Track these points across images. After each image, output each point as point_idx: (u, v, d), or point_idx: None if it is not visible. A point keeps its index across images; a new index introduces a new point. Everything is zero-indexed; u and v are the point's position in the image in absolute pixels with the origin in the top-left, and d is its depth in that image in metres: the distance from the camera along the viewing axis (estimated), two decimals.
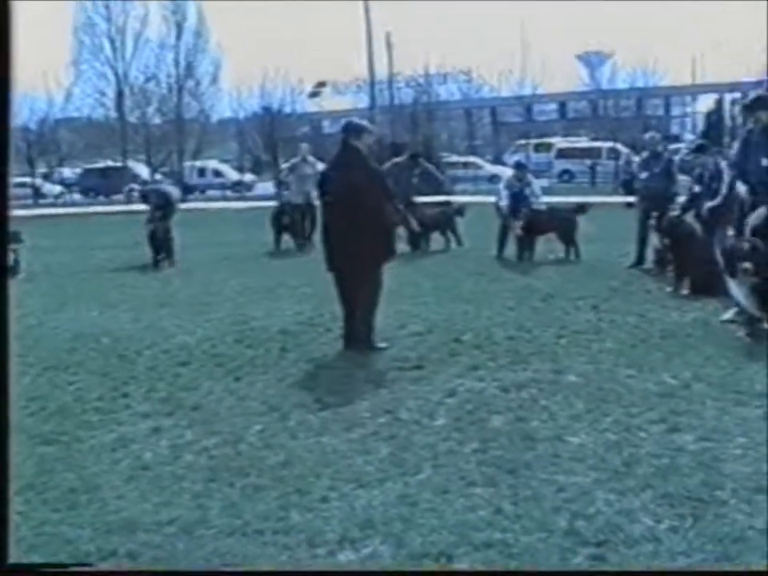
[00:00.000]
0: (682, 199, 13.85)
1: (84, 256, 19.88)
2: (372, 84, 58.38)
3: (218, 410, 7.33)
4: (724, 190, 11.99)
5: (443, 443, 6.28)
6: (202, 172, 57.47)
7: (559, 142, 58.84)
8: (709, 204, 12.35)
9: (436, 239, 18.99)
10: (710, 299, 10.95)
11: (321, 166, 9.98)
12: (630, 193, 22.24)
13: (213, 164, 59.12)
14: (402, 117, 56.05)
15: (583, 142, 58.02)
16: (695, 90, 71.42)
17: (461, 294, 12.65)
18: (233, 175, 57.72)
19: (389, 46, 59.06)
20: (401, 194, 18.36)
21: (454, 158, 50.05)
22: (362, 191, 9.21)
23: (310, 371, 8.53)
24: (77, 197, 54.31)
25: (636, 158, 19.09)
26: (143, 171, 54.54)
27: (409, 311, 11.29)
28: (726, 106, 60.21)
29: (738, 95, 64.66)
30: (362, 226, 9.18)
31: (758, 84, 64.51)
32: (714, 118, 55.87)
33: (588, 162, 50.09)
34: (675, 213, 13.14)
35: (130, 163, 54.35)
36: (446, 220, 19.16)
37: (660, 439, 6.20)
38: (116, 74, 55.62)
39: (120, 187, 50.78)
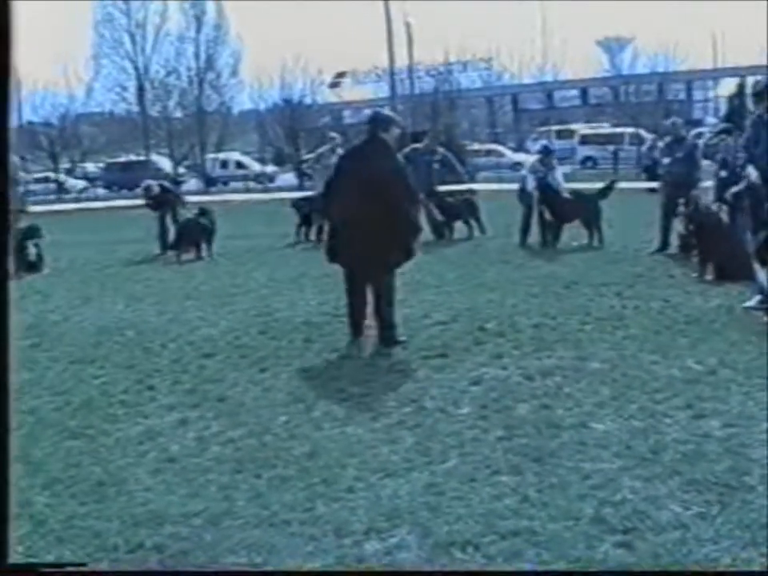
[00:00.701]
0: (706, 184, 13.80)
1: (108, 250, 19.94)
2: (392, 73, 58.31)
3: (243, 402, 7.34)
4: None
5: (468, 431, 6.27)
6: (224, 164, 57.58)
7: (581, 128, 58.64)
8: (733, 189, 12.27)
9: (459, 228, 18.97)
10: (734, 285, 10.89)
11: None
12: (652, 178, 22.16)
13: (235, 156, 59.23)
14: (422, 106, 55.95)
15: (605, 128, 57.82)
16: (717, 74, 71.05)
17: (484, 282, 12.64)
18: (255, 167, 57.79)
19: (409, 35, 58.95)
20: (422, 181, 18.45)
21: (476, 146, 49.92)
22: (387, 186, 8.96)
23: (335, 362, 8.54)
24: (100, 191, 54.46)
25: (660, 144, 18.98)
26: (166, 165, 54.75)
27: (433, 300, 11.30)
28: (748, 89, 59.83)
29: (760, 78, 64.28)
30: (382, 223, 8.91)
31: None
32: (737, 102, 55.48)
33: (611, 147, 49.88)
34: (706, 202, 13.08)
35: (153, 157, 54.57)
36: (468, 208, 19.13)
37: (686, 425, 6.17)
38: (136, 68, 55.81)
39: (143, 181, 51.00)
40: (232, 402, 7.36)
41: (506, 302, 10.99)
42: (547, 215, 16.36)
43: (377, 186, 8.93)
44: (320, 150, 21.03)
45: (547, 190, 16.64)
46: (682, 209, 13.40)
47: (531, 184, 16.91)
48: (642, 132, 49.16)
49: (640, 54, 66.12)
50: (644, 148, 39.80)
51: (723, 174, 12.85)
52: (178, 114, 57.14)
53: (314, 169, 21.03)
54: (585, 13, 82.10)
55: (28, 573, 3.90)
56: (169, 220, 18.96)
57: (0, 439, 3.60)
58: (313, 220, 19.12)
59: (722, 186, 12.87)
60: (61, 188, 52.74)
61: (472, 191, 20.86)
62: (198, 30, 56.27)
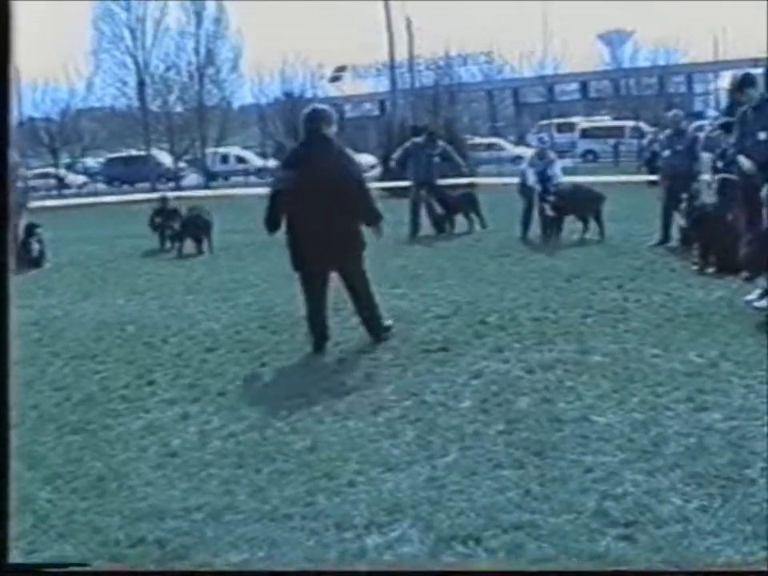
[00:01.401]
0: (706, 177, 13.80)
1: (109, 245, 19.96)
2: (392, 67, 58.18)
3: (244, 396, 7.34)
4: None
5: (469, 425, 6.26)
6: (224, 159, 57.57)
7: (582, 121, 58.58)
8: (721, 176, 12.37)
9: (460, 221, 18.97)
10: (735, 278, 10.87)
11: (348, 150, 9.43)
12: (653, 171, 22.16)
13: (235, 150, 59.19)
14: (423, 100, 55.90)
15: (606, 122, 57.78)
16: (717, 67, 70.86)
17: (485, 276, 12.63)
18: (256, 161, 57.71)
19: (409, 28, 58.85)
20: (422, 174, 18.46)
21: (477, 140, 49.89)
22: (337, 181, 8.67)
23: (335, 356, 8.52)
24: (101, 186, 54.45)
25: (660, 136, 18.97)
26: (166, 159, 54.79)
27: (433, 294, 11.30)
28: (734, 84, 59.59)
29: (761, 71, 64.23)
30: (342, 218, 8.73)
31: None
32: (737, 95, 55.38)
33: (611, 141, 49.87)
34: (705, 194, 13.14)
35: (153, 152, 54.55)
36: (469, 202, 19.12)
37: (687, 418, 6.15)
38: (136, 63, 55.76)
39: (144, 175, 51.02)
40: (233, 396, 7.36)
41: (507, 295, 10.98)
42: (548, 210, 16.31)
43: (327, 181, 8.61)
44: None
45: (547, 184, 16.61)
46: (683, 202, 13.37)
47: (531, 178, 16.89)
48: (643, 125, 49.18)
49: (641, 47, 66.06)
50: (645, 141, 39.86)
51: (719, 165, 12.86)
52: (179, 108, 57.12)
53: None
54: (585, 6, 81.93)
55: (28, 573, 3.90)
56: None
57: (0, 439, 3.59)
58: None
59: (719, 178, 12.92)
60: (61, 183, 52.73)
61: (472, 185, 20.85)
62: (198, 25, 56.22)
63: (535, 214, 16.73)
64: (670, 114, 16.75)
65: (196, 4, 56.11)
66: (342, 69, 72.28)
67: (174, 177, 52.66)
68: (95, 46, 56.53)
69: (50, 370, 8.53)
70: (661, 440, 5.75)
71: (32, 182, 35.91)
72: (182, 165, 55.22)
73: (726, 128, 13.27)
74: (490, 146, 51.61)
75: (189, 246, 17.74)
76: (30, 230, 16.92)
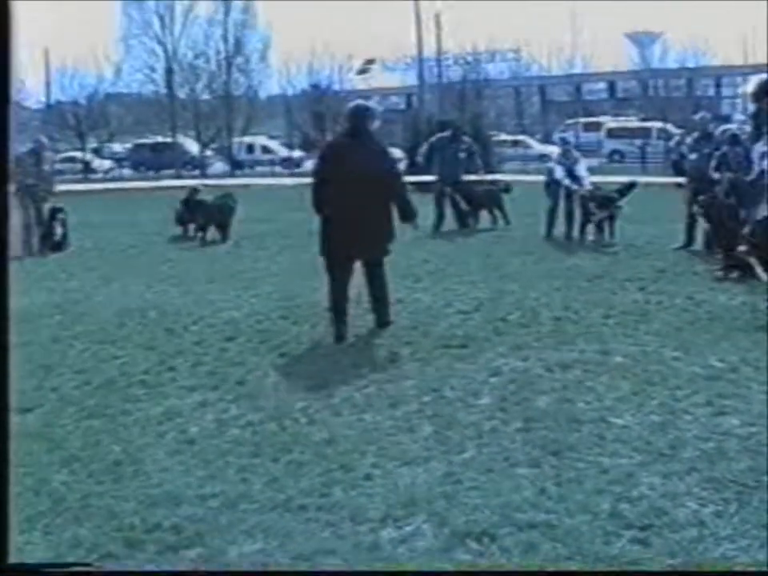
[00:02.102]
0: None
1: (133, 231, 20.01)
2: (420, 61, 58.12)
3: (263, 385, 7.35)
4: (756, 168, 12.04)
5: (487, 422, 6.26)
6: (250, 148, 57.65)
7: (609, 121, 58.34)
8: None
9: (483, 217, 18.94)
10: (759, 283, 10.83)
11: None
12: (679, 173, 22.05)
13: (261, 140, 59.27)
14: (450, 94, 55.78)
15: (633, 122, 57.54)
16: (746, 70, 70.53)
17: (507, 273, 12.61)
18: (281, 151, 57.77)
19: (438, 23, 58.77)
20: (447, 169, 18.43)
21: (503, 137, 49.79)
22: (378, 174, 9.01)
23: (356, 348, 8.52)
24: (126, 172, 54.60)
25: (687, 139, 18.88)
26: (193, 147, 54.88)
27: (455, 289, 11.28)
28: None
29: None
30: (377, 210, 9.08)
31: None
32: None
33: (638, 142, 49.66)
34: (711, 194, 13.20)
35: (180, 139, 54.65)
36: (493, 198, 19.09)
37: (706, 422, 6.13)
38: (165, 51, 55.85)
39: (170, 162, 51.14)
40: (252, 385, 7.38)
41: (529, 293, 10.96)
42: (593, 210, 16.05)
43: (367, 175, 8.90)
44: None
45: (575, 184, 16.51)
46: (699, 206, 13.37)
47: (560, 174, 16.75)
48: (670, 127, 48.94)
49: (669, 48, 65.81)
50: (671, 143, 39.68)
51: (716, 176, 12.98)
52: (206, 96, 57.19)
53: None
54: (614, 5, 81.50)
55: (28, 573, 3.90)
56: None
57: (0, 439, 3.60)
58: None
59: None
60: (88, 168, 52.88)
61: (496, 181, 20.79)
62: (227, 14, 56.25)
63: (561, 212, 16.62)
64: (697, 116, 16.66)
65: None
66: (370, 62, 72.19)
67: (200, 164, 52.71)
68: (124, 32, 56.71)
69: (71, 354, 8.56)
70: (678, 443, 5.74)
71: (58, 166, 35.99)
72: (208, 153, 55.29)
73: (734, 140, 13.37)
74: (515, 143, 51.50)
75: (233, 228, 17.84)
76: (54, 213, 16.99)
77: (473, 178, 19.06)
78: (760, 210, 11.61)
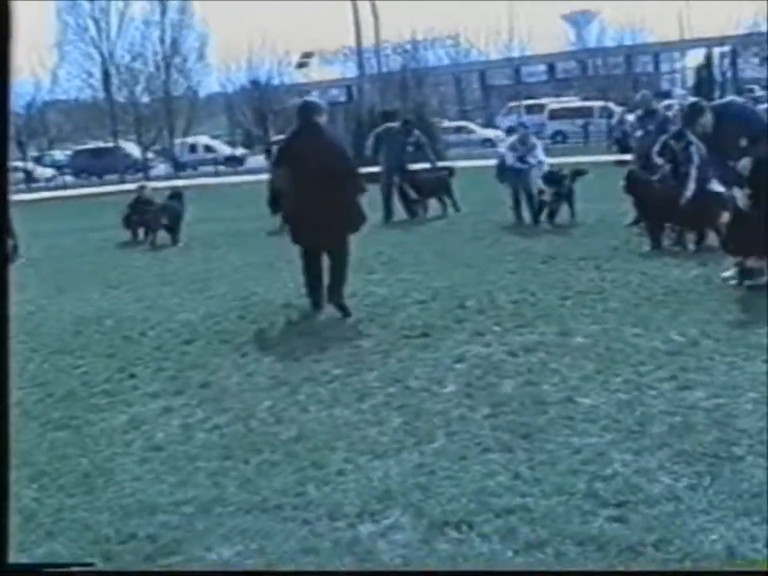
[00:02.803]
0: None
1: (81, 238, 19.86)
2: (359, 52, 57.99)
3: (227, 387, 7.30)
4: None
5: (455, 410, 6.26)
6: (192, 148, 57.38)
7: (551, 102, 58.64)
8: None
9: (433, 206, 18.94)
10: (712, 255, 10.93)
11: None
12: (623, 151, 22.20)
13: (203, 140, 59.03)
14: (391, 84, 55.87)
15: (575, 102, 57.87)
16: (684, 46, 71.20)
17: (462, 260, 12.61)
18: (224, 150, 57.57)
19: (375, 13, 58.69)
20: (394, 160, 18.41)
21: (446, 123, 49.91)
22: (332, 163, 9.55)
23: (317, 344, 8.48)
24: (69, 179, 54.10)
25: (630, 117, 19.00)
26: (135, 150, 54.51)
27: (411, 279, 11.28)
28: (716, 60, 60.06)
29: (726, 48, 64.67)
30: (335, 198, 9.58)
31: (746, 36, 64.49)
32: (704, 73, 55.73)
33: (580, 121, 49.97)
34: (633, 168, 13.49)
35: (121, 143, 54.29)
36: (442, 185, 19.08)
37: (672, 397, 6.18)
38: (102, 54, 55.47)
39: (112, 167, 50.78)
40: (215, 387, 7.32)
41: (485, 278, 10.98)
42: (547, 195, 15.96)
43: (323, 165, 9.48)
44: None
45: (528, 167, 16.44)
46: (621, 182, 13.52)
47: (511, 159, 16.67)
48: (611, 105, 49.29)
49: (607, 27, 66.28)
50: (613, 121, 39.94)
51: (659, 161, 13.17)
52: (145, 99, 56.86)
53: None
54: None
55: (28, 573, 3.86)
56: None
57: (0, 440, 3.56)
58: None
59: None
60: (29, 177, 52.35)
61: (443, 168, 20.78)
62: (163, 14, 55.94)
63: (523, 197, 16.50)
64: (639, 95, 16.76)
65: None
66: (308, 55, 72.11)
67: (143, 167, 52.37)
68: (59, 38, 56.23)
69: (30, 367, 8.46)
70: (646, 419, 5.78)
71: None
72: (150, 155, 54.96)
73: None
74: (459, 129, 51.66)
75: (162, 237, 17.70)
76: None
77: (419, 166, 19.04)
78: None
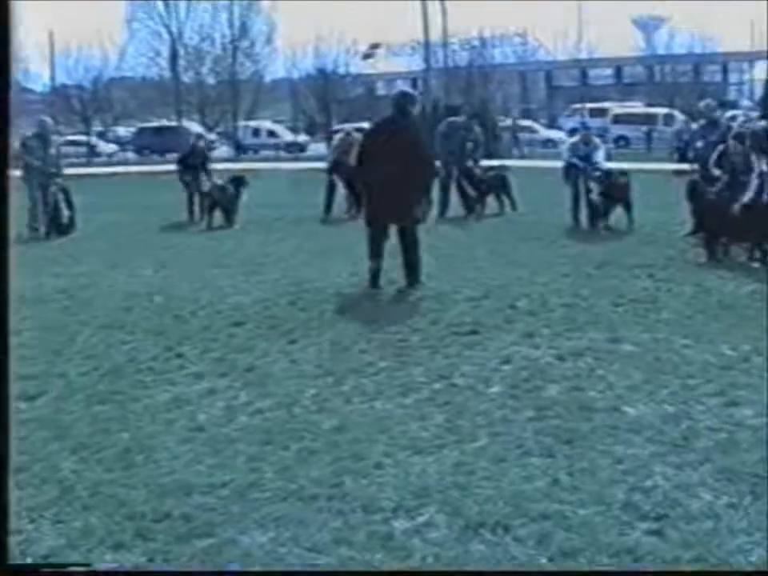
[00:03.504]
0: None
1: (138, 215, 19.95)
2: (427, 46, 57.93)
3: (272, 372, 7.30)
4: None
5: (499, 411, 6.22)
6: (256, 132, 57.48)
7: (615, 107, 58.16)
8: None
9: (491, 203, 18.86)
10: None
11: None
12: (683, 160, 21.98)
13: (267, 124, 59.12)
14: (456, 79, 55.72)
15: (639, 108, 57.37)
16: (753, 57, 70.34)
17: (516, 260, 12.55)
18: (287, 136, 57.66)
19: (444, 7, 58.54)
20: (455, 155, 18.34)
21: (509, 122, 49.69)
22: (416, 152, 10.52)
23: (365, 335, 8.46)
24: (131, 155, 54.45)
25: (693, 126, 18.81)
26: (198, 131, 54.73)
27: (464, 275, 11.22)
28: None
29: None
30: (410, 183, 10.47)
31: None
32: None
33: (644, 128, 49.54)
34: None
35: (185, 123, 54.54)
36: (500, 184, 19.00)
37: (718, 412, 6.09)
38: (170, 34, 55.89)
39: (174, 146, 51.05)
40: (261, 372, 7.33)
41: (537, 279, 10.91)
42: (595, 196, 15.88)
43: (408, 151, 10.43)
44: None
45: (589, 169, 16.32)
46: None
47: (573, 159, 16.55)
48: (677, 113, 48.82)
49: (676, 34, 65.60)
50: (673, 129, 39.61)
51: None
52: (211, 80, 57.15)
53: None
54: None
55: (28, 573, 3.88)
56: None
57: (0, 440, 3.58)
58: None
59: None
60: (93, 151, 52.76)
61: (504, 166, 20.70)
62: None
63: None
64: (702, 103, 16.55)
65: None
66: (375, 46, 72.01)
67: (207, 148, 52.53)
68: (129, 15, 56.66)
69: (79, 339, 8.51)
70: (691, 434, 5.70)
71: (63, 150, 35.95)
72: (212, 137, 55.22)
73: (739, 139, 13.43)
74: (522, 128, 51.36)
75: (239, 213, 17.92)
76: (61, 195, 16.94)
77: (482, 163, 18.97)
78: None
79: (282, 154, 51.33)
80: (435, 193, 17.68)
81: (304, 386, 6.86)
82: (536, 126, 55.64)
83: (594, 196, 15.76)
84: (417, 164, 10.47)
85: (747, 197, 11.80)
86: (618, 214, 15.97)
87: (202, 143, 21.19)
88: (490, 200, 18.84)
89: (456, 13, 63.12)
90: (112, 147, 56.09)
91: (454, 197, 18.51)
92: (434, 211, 17.18)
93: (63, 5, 67.58)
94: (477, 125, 19.59)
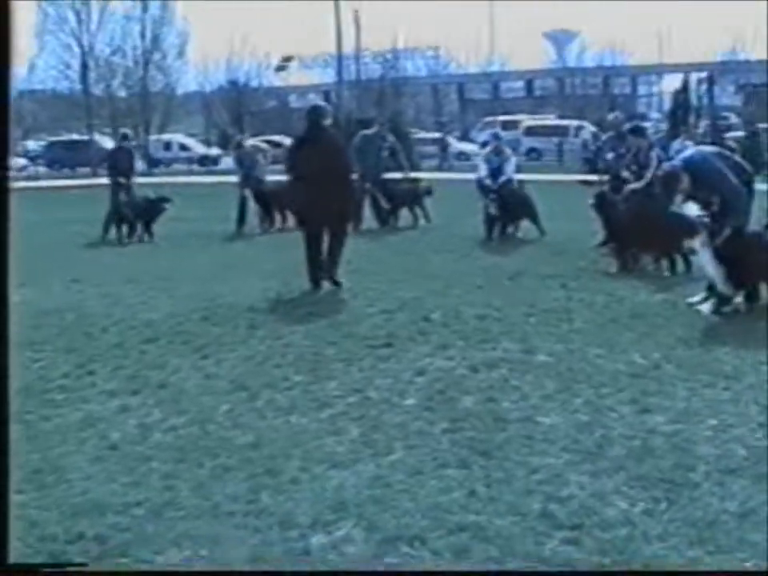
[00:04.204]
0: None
1: (49, 230, 19.67)
2: (339, 59, 58.09)
3: (185, 389, 7.22)
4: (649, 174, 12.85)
5: (414, 423, 6.22)
6: (167, 146, 57.06)
7: (527, 119, 58.75)
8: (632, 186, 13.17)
9: (404, 216, 18.91)
10: (677, 279, 10.98)
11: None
12: (592, 171, 22.22)
13: (179, 138, 58.72)
14: (369, 92, 55.96)
15: (550, 120, 58.02)
16: (661, 70, 71.61)
17: (429, 272, 12.58)
18: (199, 149, 57.31)
19: (356, 20, 58.73)
20: (369, 167, 18.35)
21: (421, 134, 49.93)
22: (338, 162, 11.37)
23: (279, 349, 8.42)
24: (41, 170, 53.68)
25: (603, 137, 19.04)
26: (108, 144, 54.09)
27: (377, 288, 11.21)
28: (692, 86, 60.40)
29: (704, 74, 65.13)
30: (338, 191, 11.28)
31: (723, 64, 65.02)
32: (681, 98, 55.97)
33: (555, 140, 50.12)
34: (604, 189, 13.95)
35: (96, 136, 53.95)
36: (414, 196, 19.05)
37: (631, 420, 6.16)
38: (81, 46, 55.14)
39: (86, 160, 50.46)
40: (174, 388, 7.24)
41: (451, 292, 10.94)
42: (492, 210, 16.10)
43: (329, 163, 11.11)
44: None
45: (498, 181, 16.52)
46: (590, 201, 13.76)
47: (483, 173, 16.76)
48: (587, 125, 49.48)
49: (587, 47, 66.57)
50: (581, 139, 40.14)
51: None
52: (122, 93, 56.60)
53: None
54: (532, 4, 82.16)
55: (28, 573, 3.81)
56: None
57: (0, 440, 3.51)
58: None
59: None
60: None
61: (417, 179, 20.75)
62: (145, 10, 55.75)
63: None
64: (611, 116, 16.79)
65: None
66: (288, 59, 72.03)
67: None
68: (39, 28, 55.89)
69: None
70: (605, 442, 5.75)
71: None
72: None
73: (637, 132, 13.95)
74: (434, 141, 51.65)
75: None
76: None
77: (395, 175, 19.02)
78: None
79: (195, 167, 50.98)
80: None
81: (218, 402, 6.80)
82: (448, 138, 55.95)
83: (492, 210, 15.96)
84: (339, 173, 11.37)
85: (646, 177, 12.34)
86: (528, 225, 16.16)
87: (127, 143, 20.67)
88: (404, 212, 18.91)
89: (369, 26, 63.32)
90: (21, 161, 55.23)
91: (368, 210, 18.54)
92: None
93: None
94: (390, 135, 19.65)
